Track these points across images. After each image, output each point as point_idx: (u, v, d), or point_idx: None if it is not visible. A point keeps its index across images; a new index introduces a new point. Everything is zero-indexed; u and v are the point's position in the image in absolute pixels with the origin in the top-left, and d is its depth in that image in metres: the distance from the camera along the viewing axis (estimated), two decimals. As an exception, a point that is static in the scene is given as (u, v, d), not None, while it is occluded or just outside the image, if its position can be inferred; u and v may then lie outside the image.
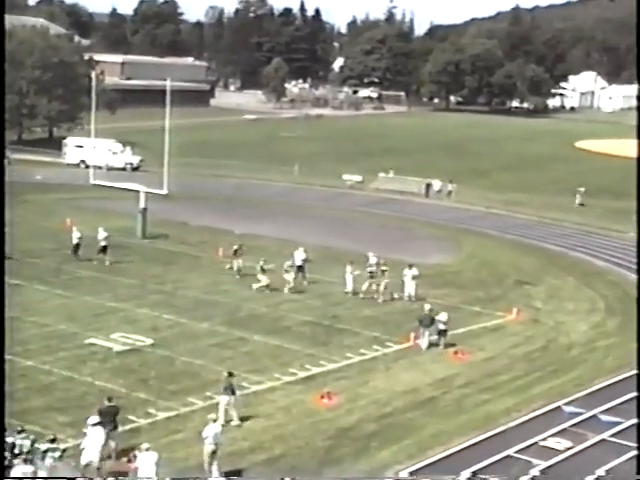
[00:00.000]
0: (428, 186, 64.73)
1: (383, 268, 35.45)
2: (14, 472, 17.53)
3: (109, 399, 20.62)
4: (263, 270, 34.89)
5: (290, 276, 34.96)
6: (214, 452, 19.48)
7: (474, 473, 19.38)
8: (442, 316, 29.59)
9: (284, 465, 20.52)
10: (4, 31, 50.76)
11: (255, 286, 34.79)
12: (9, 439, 18.33)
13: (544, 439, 22.48)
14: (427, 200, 62.78)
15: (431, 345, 29.31)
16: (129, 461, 19.73)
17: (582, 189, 62.63)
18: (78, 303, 31.88)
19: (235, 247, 37.22)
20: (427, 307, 30.29)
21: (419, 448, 21.79)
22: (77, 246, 38.08)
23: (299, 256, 36.49)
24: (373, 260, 36.47)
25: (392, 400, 24.82)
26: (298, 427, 22.66)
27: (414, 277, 34.96)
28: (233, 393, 22.31)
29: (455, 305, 34.52)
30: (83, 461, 18.78)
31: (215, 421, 19.96)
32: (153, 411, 22.78)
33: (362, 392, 25.29)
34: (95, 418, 19.52)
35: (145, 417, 22.39)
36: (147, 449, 18.61)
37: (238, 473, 19.90)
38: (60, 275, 35.47)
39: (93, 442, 18.96)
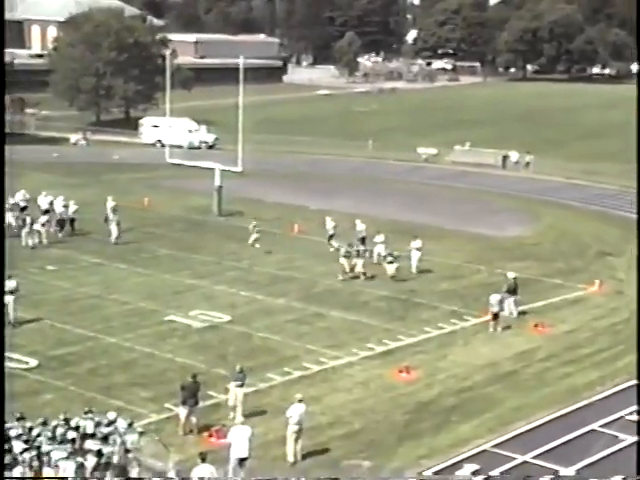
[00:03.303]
0: (505, 158, 63.68)
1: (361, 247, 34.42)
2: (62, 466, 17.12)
3: (193, 376, 20.75)
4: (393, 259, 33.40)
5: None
6: (298, 432, 19.47)
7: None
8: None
9: (363, 439, 20.49)
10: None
11: (391, 271, 33.04)
12: (73, 421, 18.27)
13: (630, 413, 21.93)
14: (504, 172, 61.76)
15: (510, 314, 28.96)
16: (210, 436, 19.96)
17: None
18: (157, 281, 32.32)
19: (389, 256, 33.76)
20: (511, 275, 29.91)
21: (500, 422, 21.51)
22: (72, 220, 38.33)
23: (359, 228, 36.67)
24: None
25: (472, 374, 24.55)
26: (377, 401, 22.58)
27: (418, 249, 34.33)
28: (242, 386, 21.38)
29: (535, 277, 33.92)
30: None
31: (300, 401, 19.78)
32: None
33: (441, 366, 25.07)
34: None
35: (225, 393, 22.53)
36: (242, 423, 18.70)
37: (323, 451, 19.94)
38: (140, 253, 35.99)
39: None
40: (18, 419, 18.05)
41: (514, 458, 19.61)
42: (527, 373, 24.81)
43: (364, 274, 33.06)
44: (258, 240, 37.01)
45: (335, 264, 34.67)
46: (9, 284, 27.30)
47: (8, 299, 27.06)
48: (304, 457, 19.44)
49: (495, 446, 20.23)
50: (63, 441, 17.58)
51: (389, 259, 33.16)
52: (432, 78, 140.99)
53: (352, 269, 33.15)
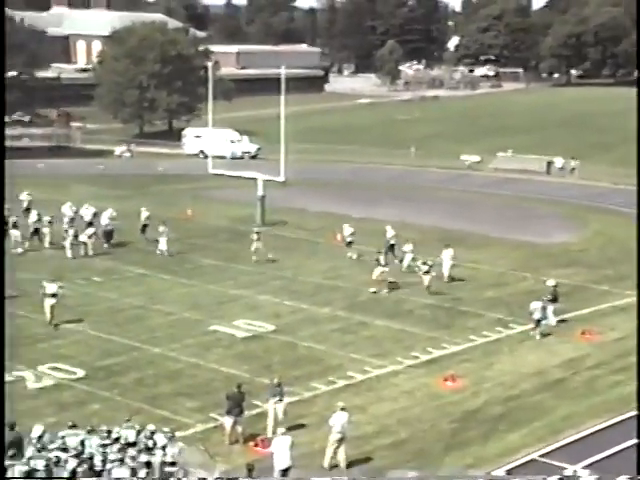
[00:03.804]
0: (549, 164, 63.07)
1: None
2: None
3: (238, 386, 20.74)
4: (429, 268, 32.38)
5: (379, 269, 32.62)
6: (341, 440, 19.36)
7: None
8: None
9: (410, 449, 20.32)
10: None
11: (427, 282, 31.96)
12: (114, 432, 18.21)
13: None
14: (549, 178, 61.15)
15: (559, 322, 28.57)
16: (256, 445, 19.93)
17: None
18: (201, 291, 32.42)
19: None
20: (551, 283, 29.49)
21: (550, 431, 21.20)
22: (112, 231, 38.49)
23: (389, 234, 36.69)
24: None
25: (519, 382, 24.25)
26: (423, 410, 22.40)
27: (450, 258, 33.71)
28: (281, 400, 21.03)
29: (582, 284, 33.47)
30: None
31: (343, 409, 19.68)
32: (277, 396, 22.87)
33: (487, 374, 24.81)
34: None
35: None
36: (283, 433, 18.68)
37: (369, 460, 19.81)
38: (184, 264, 36.14)
39: None
40: (70, 427, 18.20)
41: (564, 468, 19.28)
42: (576, 381, 24.43)
43: (391, 283, 32.46)
44: (258, 251, 36.43)
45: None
46: (50, 287, 28.13)
47: (49, 302, 27.87)
48: (350, 466, 19.32)
49: (544, 455, 19.93)
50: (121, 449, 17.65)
51: (424, 269, 32.21)
52: (474, 85, 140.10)
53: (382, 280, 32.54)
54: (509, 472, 19.14)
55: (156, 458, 17.58)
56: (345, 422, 19.45)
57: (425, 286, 32.05)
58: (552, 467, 19.35)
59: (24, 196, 41.91)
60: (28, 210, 40.63)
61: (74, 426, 18.29)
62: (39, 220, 37.87)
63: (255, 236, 36.81)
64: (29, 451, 17.11)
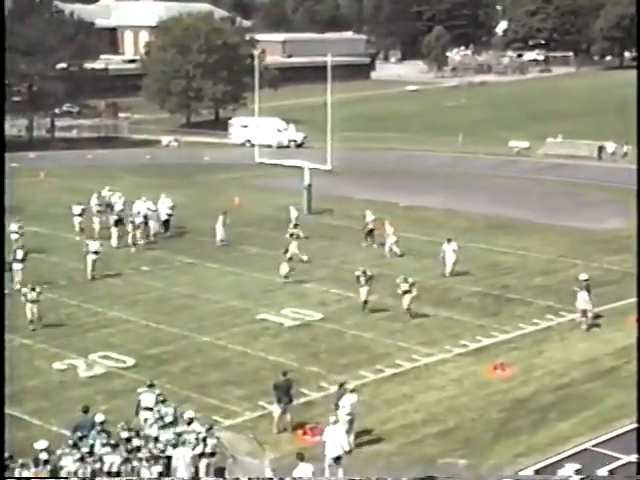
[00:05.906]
0: (600, 149, 62.05)
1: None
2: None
3: (284, 374, 20.76)
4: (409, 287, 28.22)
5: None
6: (351, 422, 19.29)
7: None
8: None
9: (458, 437, 20.17)
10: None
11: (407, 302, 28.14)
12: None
13: None
14: (600, 163, 60.17)
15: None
16: (305, 434, 19.94)
17: None
18: (248, 279, 32.50)
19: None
20: (584, 276, 28.60)
21: (602, 420, 20.88)
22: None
23: (369, 219, 36.82)
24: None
25: (569, 370, 23.92)
26: (471, 399, 22.22)
27: (454, 251, 32.47)
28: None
29: (632, 271, 32.83)
30: None
31: (352, 391, 19.73)
32: (325, 384, 22.81)
33: (537, 362, 24.52)
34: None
35: (317, 390, 22.51)
36: (335, 422, 18.64)
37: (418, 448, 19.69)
38: (231, 253, 36.25)
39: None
40: (162, 402, 18.83)
41: (618, 458, 18.95)
42: (629, 369, 23.96)
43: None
44: (135, 238, 36.15)
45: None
46: (93, 245, 31.60)
47: (91, 258, 31.58)
48: (398, 454, 19.21)
49: (597, 445, 19.62)
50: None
51: (404, 287, 27.98)
52: (523, 70, 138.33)
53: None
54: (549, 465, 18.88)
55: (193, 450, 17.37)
56: (355, 403, 19.37)
57: (405, 308, 27.97)
58: (606, 457, 19.05)
59: (105, 192, 41.84)
60: (109, 205, 40.61)
61: (152, 385, 19.18)
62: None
63: (130, 226, 36.38)
64: (91, 435, 17.37)
